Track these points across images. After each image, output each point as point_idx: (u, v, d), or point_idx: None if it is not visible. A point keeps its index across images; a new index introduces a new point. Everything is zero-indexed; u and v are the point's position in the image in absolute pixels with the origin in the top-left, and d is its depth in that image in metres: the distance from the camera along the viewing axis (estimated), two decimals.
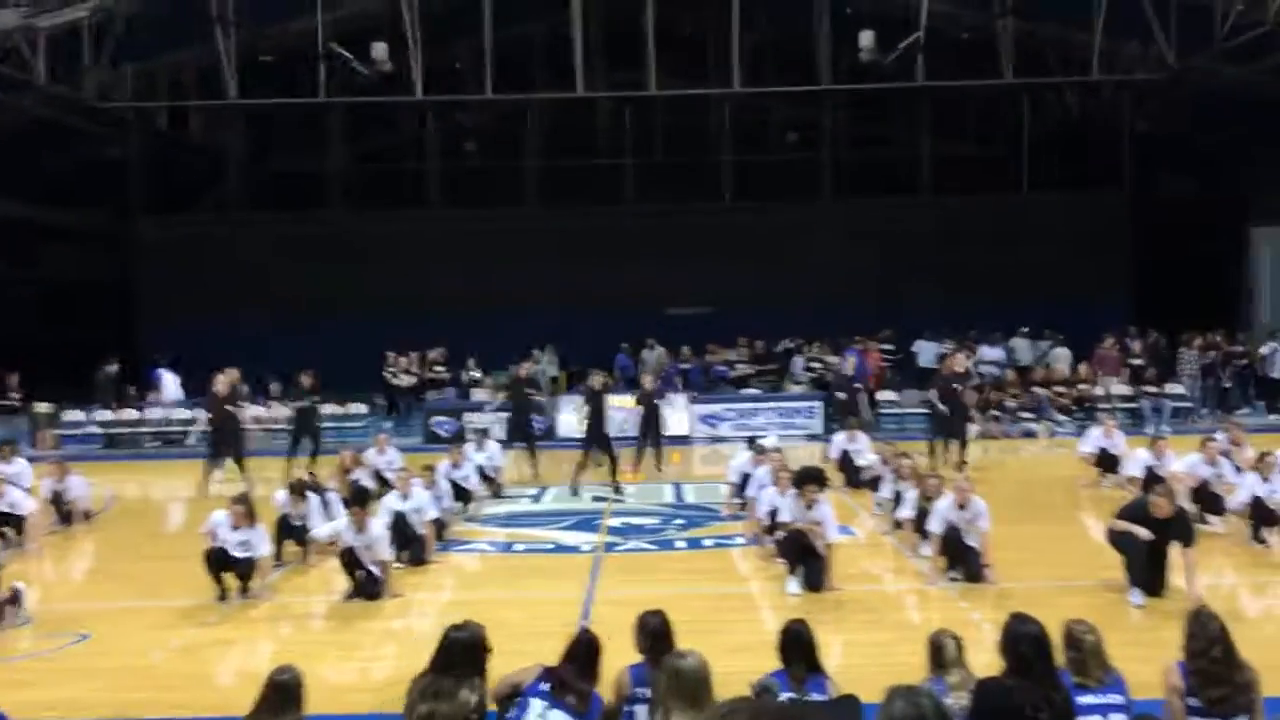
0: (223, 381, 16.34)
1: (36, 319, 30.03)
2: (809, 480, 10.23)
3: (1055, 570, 10.37)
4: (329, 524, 11.20)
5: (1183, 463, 12.59)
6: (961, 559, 9.97)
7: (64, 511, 13.58)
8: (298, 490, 11.49)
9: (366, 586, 9.79)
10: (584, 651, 5.57)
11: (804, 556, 9.82)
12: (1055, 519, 13.27)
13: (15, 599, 9.32)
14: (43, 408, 21.66)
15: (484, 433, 16.58)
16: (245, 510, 9.98)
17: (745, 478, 13.02)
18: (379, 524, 10.32)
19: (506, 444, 16.96)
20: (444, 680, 5.19)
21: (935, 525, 10.13)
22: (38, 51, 20.80)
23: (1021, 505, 13.49)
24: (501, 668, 5.53)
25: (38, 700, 6.89)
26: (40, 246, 31.74)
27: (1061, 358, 22.77)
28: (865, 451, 15.06)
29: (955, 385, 16.47)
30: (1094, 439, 15.11)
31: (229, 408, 16.21)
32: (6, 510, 12.20)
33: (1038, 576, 10.00)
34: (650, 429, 16.79)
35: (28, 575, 10.52)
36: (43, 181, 27.72)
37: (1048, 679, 5.17)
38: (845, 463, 15.17)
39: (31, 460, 15.30)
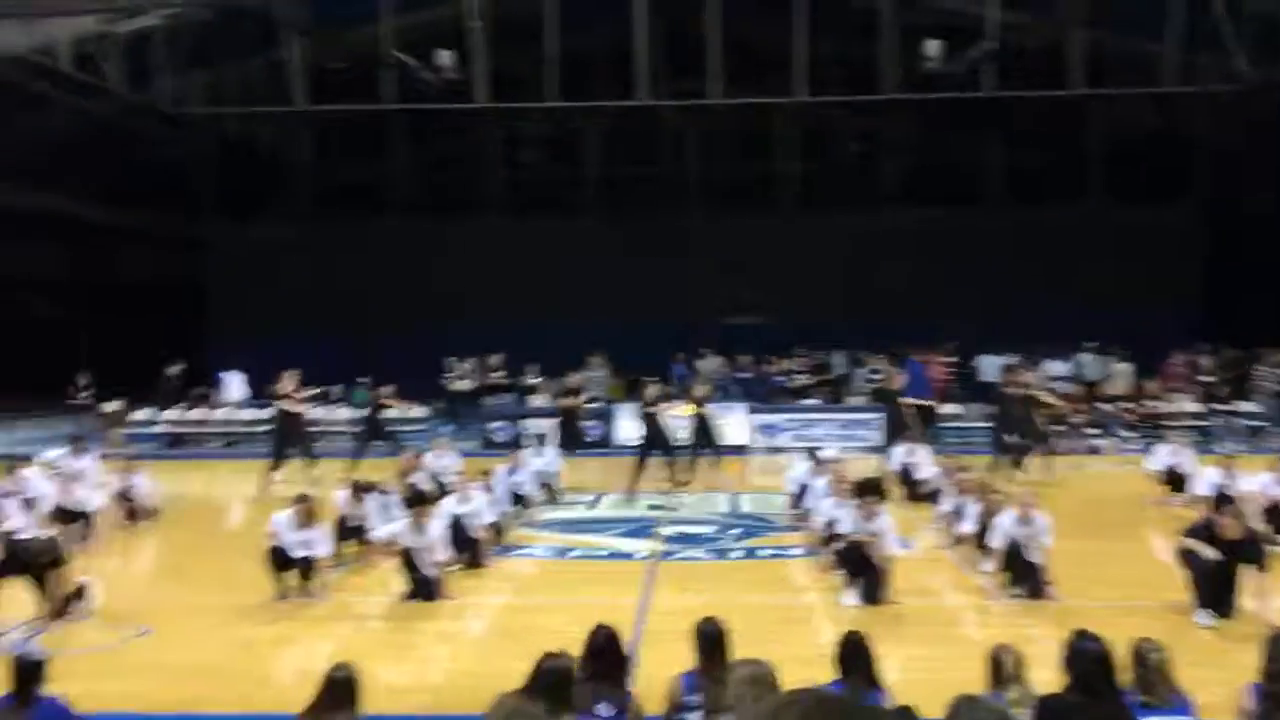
0: (285, 382, 16.57)
1: (108, 319, 30.76)
2: (868, 491, 10.12)
3: (1119, 589, 10.14)
4: (388, 525, 11.30)
5: (1254, 482, 12.27)
6: (1023, 575, 9.78)
7: (130, 509, 13.84)
8: (357, 491, 11.61)
9: (423, 588, 9.85)
10: (603, 649, 5.52)
11: (862, 569, 9.70)
12: (1120, 536, 12.99)
13: (80, 593, 9.51)
14: (111, 407, 22.12)
15: (541, 439, 16.63)
16: (307, 510, 10.09)
17: (803, 488, 12.92)
18: (437, 526, 10.39)
19: (563, 450, 17.01)
20: (535, 707, 4.96)
21: (996, 540, 9.96)
22: (113, 58, 21.31)
23: (1086, 522, 13.22)
24: None
25: (100, 692, 7.00)
26: (113, 249, 32.52)
27: (1123, 373, 22.35)
28: (926, 465, 14.86)
29: (1020, 399, 16.21)
30: (1162, 456, 14.79)
31: (291, 408, 16.44)
32: (74, 507, 12.46)
33: (1102, 595, 9.78)
34: (705, 438, 16.66)
35: (93, 570, 10.73)
36: (117, 185, 28.37)
37: (1111, 697, 5.06)
38: (905, 476, 15.00)
39: (102, 458, 15.64)
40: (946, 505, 12.52)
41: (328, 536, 10.45)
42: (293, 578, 9.96)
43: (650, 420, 15.59)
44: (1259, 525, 10.61)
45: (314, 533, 10.07)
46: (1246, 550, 8.88)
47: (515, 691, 5.13)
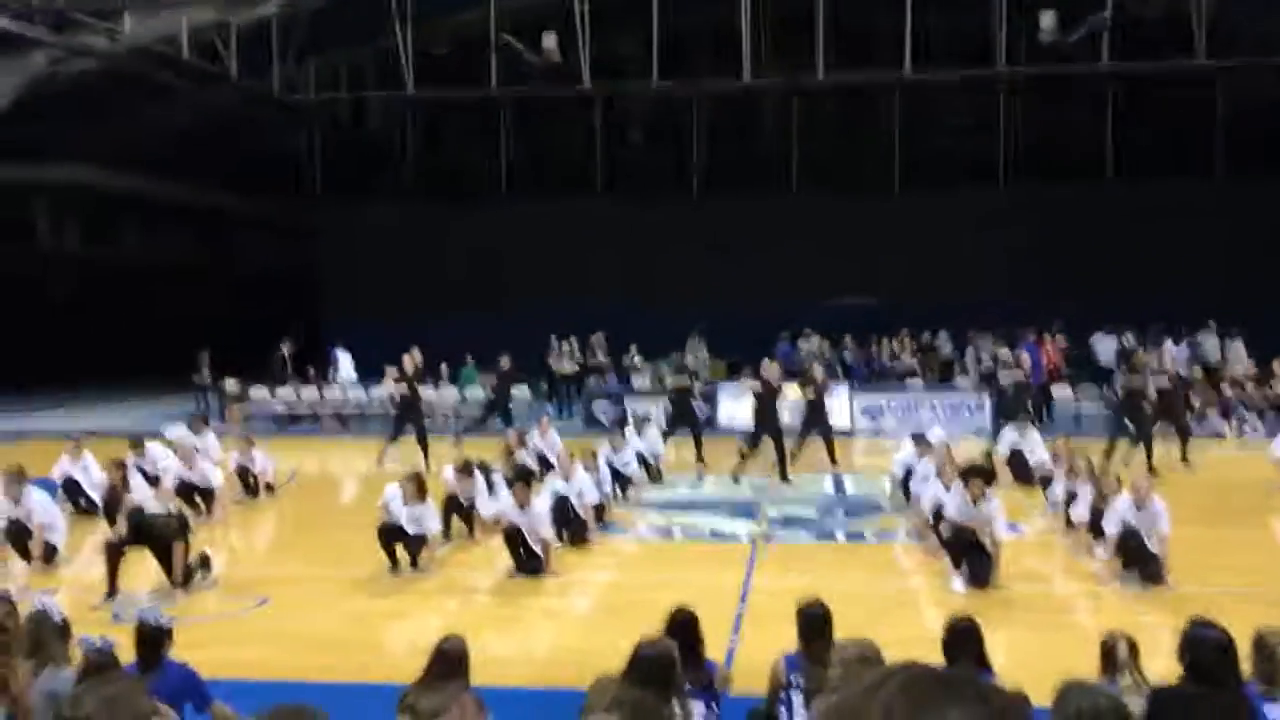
0: (407, 361, 16.94)
1: (227, 300, 31.84)
2: (976, 475, 9.93)
3: (1241, 577, 9.79)
4: (495, 502, 11.49)
5: None
6: (1139, 561, 9.50)
7: (249, 484, 14.31)
8: (465, 469, 11.81)
9: (529, 564, 10.00)
10: (682, 631, 5.51)
11: (970, 553, 9.55)
12: (1242, 524, 12.54)
13: (204, 564, 9.89)
14: (231, 385, 22.88)
15: (645, 419, 16.68)
16: (417, 487, 10.31)
17: (909, 471, 12.75)
18: (541, 504, 10.52)
19: (669, 432, 17.00)
20: (634, 693, 4.77)
21: (1111, 526, 9.70)
22: (230, 47, 21.93)
23: (1206, 508, 12.80)
24: None
25: (221, 659, 7.28)
26: (232, 232, 33.65)
27: (1241, 354, 21.49)
28: (1036, 448, 14.52)
29: (1144, 383, 15.69)
30: None
31: (411, 387, 16.79)
32: (197, 481, 12.93)
33: (1221, 582, 9.46)
34: (818, 420, 16.34)
35: (215, 542, 11.15)
36: (235, 170, 29.29)
37: (1230, 688, 4.89)
38: (1015, 459, 14.68)
39: (220, 435, 16.21)
40: (1058, 489, 12.22)
41: (437, 513, 10.66)
42: (403, 552, 10.20)
43: (761, 401, 15.40)
44: None
45: (424, 509, 10.29)
46: None
47: (614, 677, 5.13)
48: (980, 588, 9.34)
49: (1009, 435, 15.25)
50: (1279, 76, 25.47)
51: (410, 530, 10.18)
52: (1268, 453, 14.79)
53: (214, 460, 13.93)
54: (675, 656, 5.13)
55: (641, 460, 14.68)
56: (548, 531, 10.24)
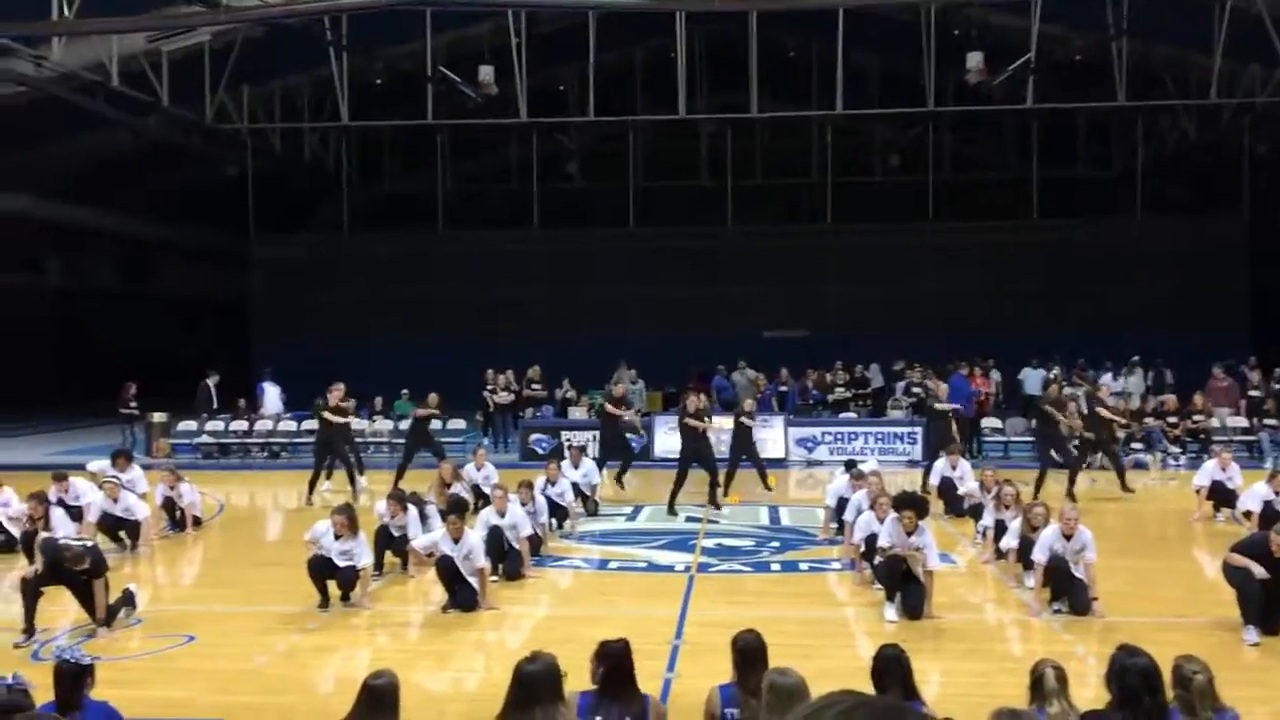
0: (332, 394, 16.70)
1: (155, 331, 31.25)
2: (908, 505, 10.03)
3: (1165, 605, 10.00)
4: (427, 535, 11.36)
5: None
6: (1066, 590, 9.67)
7: (175, 517, 14.01)
8: (398, 501, 11.68)
9: (463, 598, 9.89)
10: (614, 663, 5.50)
11: (903, 582, 9.64)
12: (1166, 553, 12.82)
13: (128, 600, 9.64)
14: (158, 417, 22.42)
15: (581, 450, 16.63)
16: (348, 520, 10.16)
17: (842, 501, 12.85)
18: (476, 537, 10.42)
19: (601, 462, 16.99)
20: (524, 713, 4.87)
21: (1040, 555, 9.85)
22: (163, 75, 21.65)
23: (1131, 538, 13.07)
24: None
25: (145, 698, 7.11)
26: (160, 262, 33.08)
27: (1135, 385, 22.05)
28: (967, 478, 14.72)
29: (1058, 416, 15.99)
30: (1208, 472, 14.56)
31: (336, 419, 16.55)
32: (121, 515, 12.64)
33: (1146, 611, 9.66)
34: (748, 451, 16.53)
35: (139, 577, 10.88)
36: (164, 200, 28.82)
37: (1156, 714, 4.98)
38: (946, 489, 14.86)
39: (146, 468, 15.85)
40: (988, 519, 12.38)
41: (368, 546, 10.51)
42: (334, 587, 10.04)
43: (691, 432, 15.49)
44: None
45: (355, 542, 10.14)
46: None
47: (502, 711, 5.01)
48: (913, 618, 9.43)
49: (940, 465, 15.44)
50: (1199, 117, 26.32)
51: (341, 564, 10.03)
52: (1190, 484, 15.14)
53: (139, 493, 13.62)
54: (558, 668, 5.09)
55: (578, 491, 14.63)
56: (482, 564, 10.14)
